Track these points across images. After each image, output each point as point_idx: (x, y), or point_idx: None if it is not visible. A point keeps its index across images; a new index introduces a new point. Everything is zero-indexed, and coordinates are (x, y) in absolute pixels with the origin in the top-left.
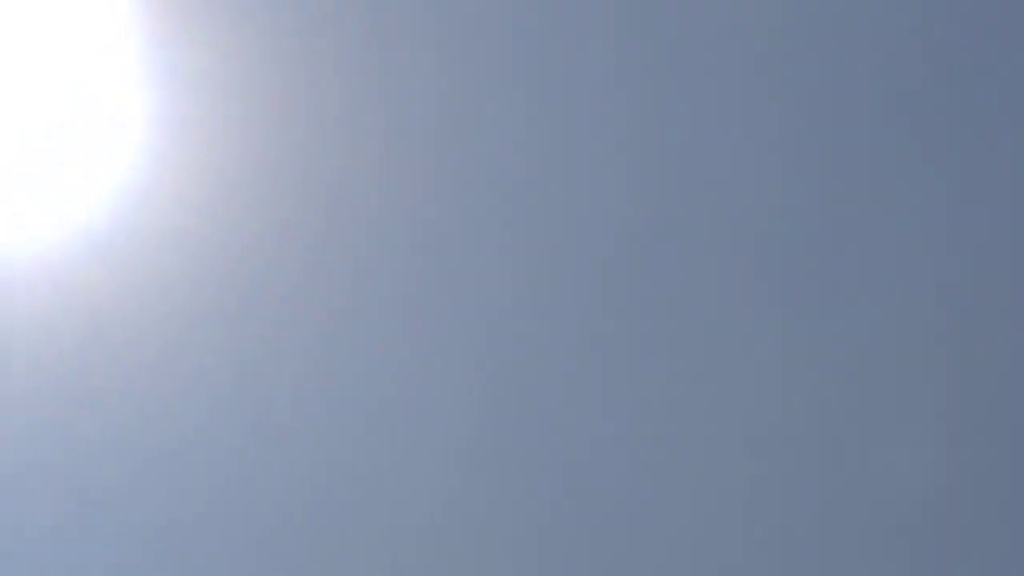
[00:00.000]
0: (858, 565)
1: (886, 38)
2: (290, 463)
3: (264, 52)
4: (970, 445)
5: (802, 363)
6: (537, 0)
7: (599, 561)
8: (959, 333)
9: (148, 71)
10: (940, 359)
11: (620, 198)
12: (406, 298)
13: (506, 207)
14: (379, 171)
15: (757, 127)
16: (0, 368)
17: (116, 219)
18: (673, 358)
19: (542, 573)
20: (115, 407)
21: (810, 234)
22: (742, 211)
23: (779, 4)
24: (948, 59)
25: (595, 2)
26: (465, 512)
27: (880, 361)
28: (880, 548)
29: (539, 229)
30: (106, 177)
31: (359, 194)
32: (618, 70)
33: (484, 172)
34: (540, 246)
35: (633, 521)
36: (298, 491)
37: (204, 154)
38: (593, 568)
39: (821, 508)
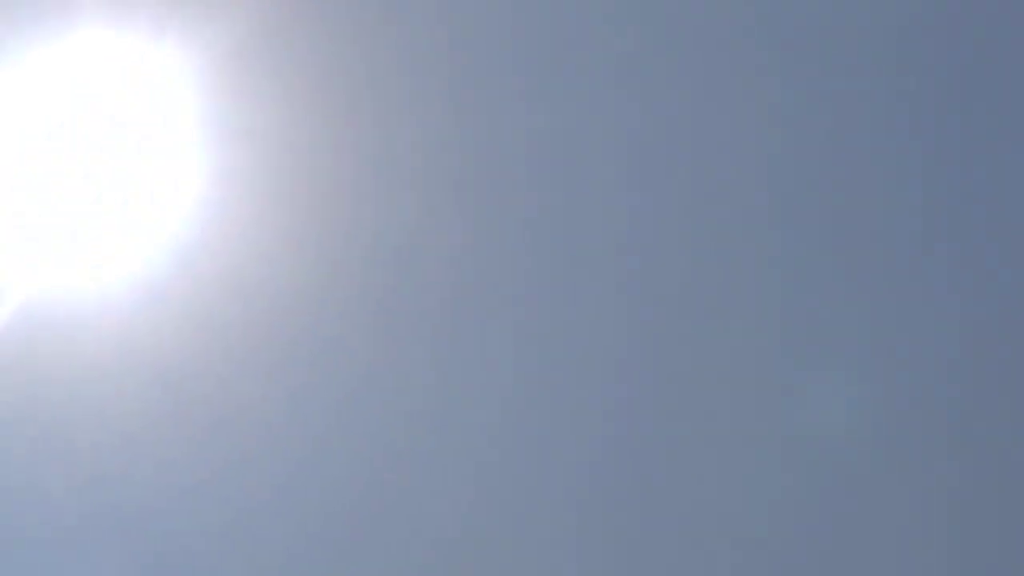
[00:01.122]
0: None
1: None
2: (344, 500)
3: (319, 108)
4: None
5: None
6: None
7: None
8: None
9: (208, 127)
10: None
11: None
12: (444, 354)
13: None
14: (428, 224)
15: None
16: (66, 414)
17: (174, 267)
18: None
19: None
20: (173, 451)
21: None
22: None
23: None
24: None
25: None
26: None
27: None
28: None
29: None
30: (165, 227)
31: (409, 245)
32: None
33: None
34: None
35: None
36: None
37: (260, 207)
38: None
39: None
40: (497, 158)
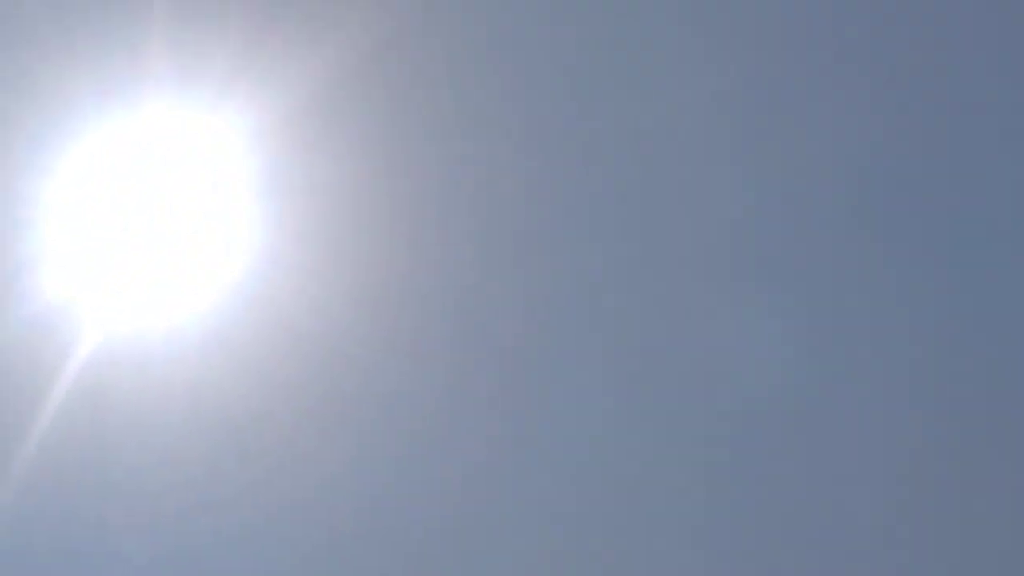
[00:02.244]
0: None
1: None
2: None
3: (380, 163)
4: None
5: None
6: None
7: None
8: None
9: (273, 181)
10: None
11: None
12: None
13: None
14: (488, 275)
15: None
16: (134, 457)
17: (240, 316)
18: None
19: None
20: (237, 492)
21: None
22: None
23: None
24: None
25: None
26: None
27: None
28: None
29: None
30: (231, 278)
31: (469, 297)
32: None
33: None
34: None
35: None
36: None
37: (324, 259)
38: None
39: None
40: (555, 210)
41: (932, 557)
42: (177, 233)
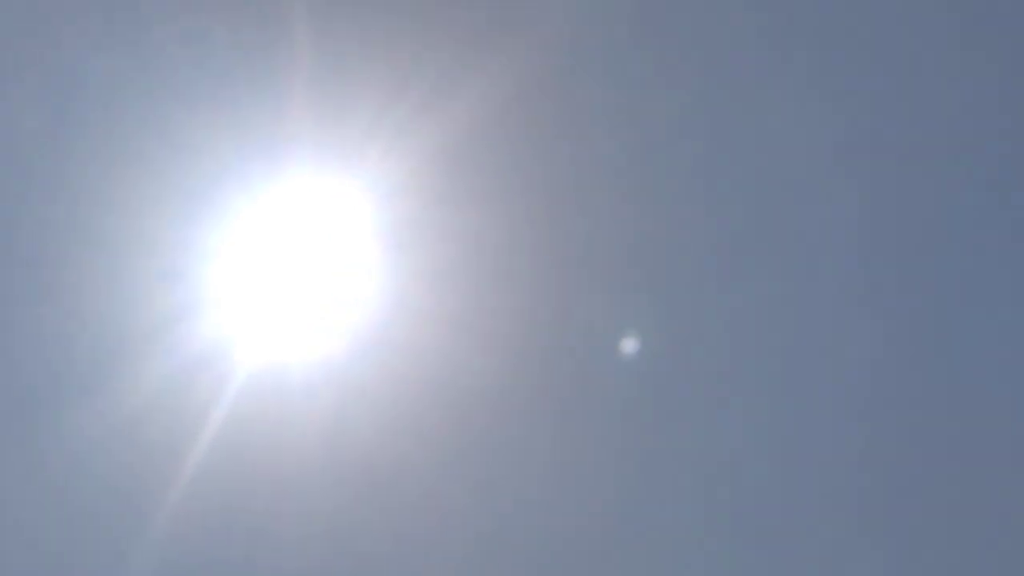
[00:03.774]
0: None
1: None
2: None
3: (518, 210)
4: None
5: None
6: None
7: None
8: None
9: (413, 229)
10: None
11: None
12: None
13: None
14: (627, 322)
15: None
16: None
17: (376, 362)
18: None
19: None
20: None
21: None
22: None
23: None
24: None
25: None
26: None
27: None
28: None
29: None
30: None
31: (607, 346)
32: None
33: None
34: None
35: None
36: None
37: (462, 306)
38: None
39: None
40: (692, 255)
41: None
42: (318, 281)
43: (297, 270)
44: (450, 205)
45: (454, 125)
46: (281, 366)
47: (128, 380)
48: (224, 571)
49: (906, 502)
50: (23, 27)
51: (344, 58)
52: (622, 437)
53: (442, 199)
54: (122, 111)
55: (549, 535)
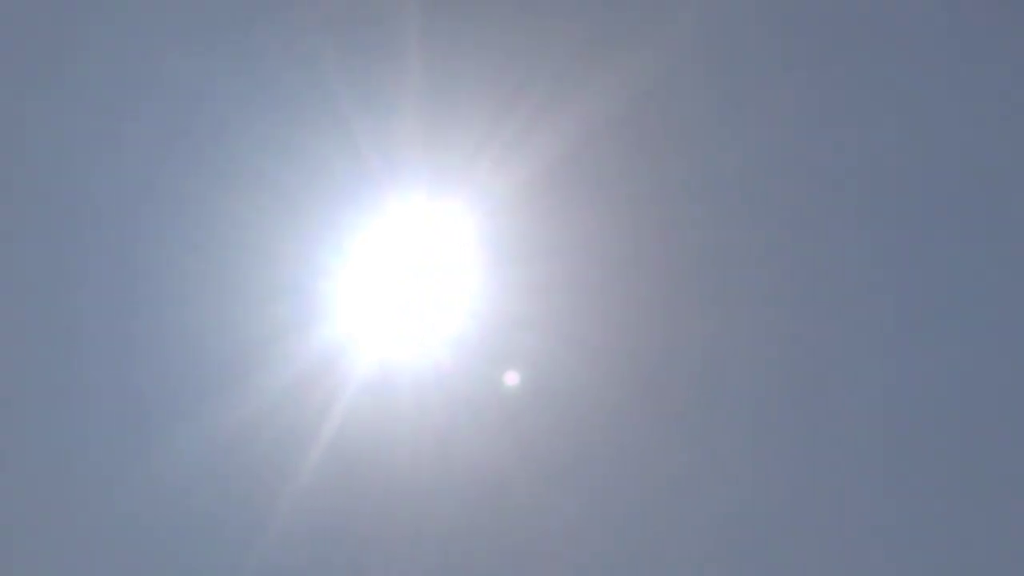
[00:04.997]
0: None
1: None
2: None
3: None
4: None
5: None
6: None
7: None
8: None
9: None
10: None
11: None
12: None
13: None
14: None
15: None
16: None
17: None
18: None
19: None
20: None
21: None
22: None
23: None
24: None
25: None
26: None
27: None
28: None
29: None
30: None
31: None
32: None
33: None
34: None
35: None
36: None
37: (569, 320)
38: None
39: None
40: (810, 266)
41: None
42: (432, 292)
43: (411, 281)
44: (562, 218)
45: (566, 137)
46: (395, 375)
47: (247, 387)
48: (338, 574)
49: None
50: (150, 49)
51: (456, 74)
52: (733, 444)
53: (554, 212)
54: (244, 131)
55: (656, 540)
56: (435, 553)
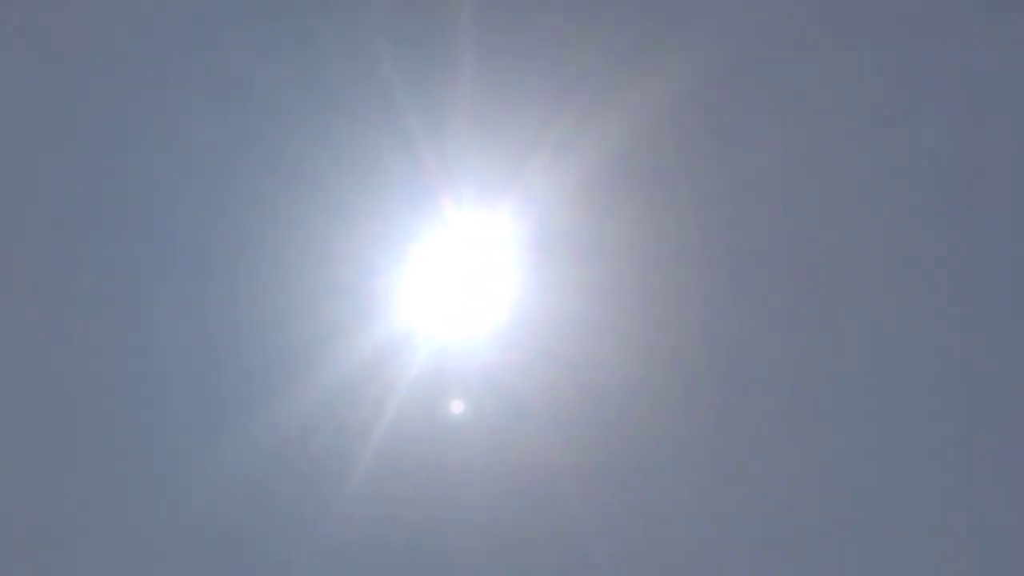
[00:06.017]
0: None
1: None
2: None
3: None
4: None
5: None
6: None
7: None
8: None
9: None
10: None
11: None
12: None
13: None
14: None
15: None
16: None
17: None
18: None
19: None
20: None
21: None
22: None
23: None
24: None
25: None
26: None
27: None
28: None
29: None
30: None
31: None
32: None
33: None
34: None
35: None
36: None
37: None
38: None
39: None
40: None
41: None
42: (482, 292)
43: (462, 282)
44: (614, 216)
45: (615, 138)
46: (447, 373)
47: (297, 389)
48: (390, 573)
49: None
50: (198, 47)
51: (507, 75)
52: (777, 443)
53: (605, 210)
54: (292, 130)
55: (703, 537)
56: (488, 552)
